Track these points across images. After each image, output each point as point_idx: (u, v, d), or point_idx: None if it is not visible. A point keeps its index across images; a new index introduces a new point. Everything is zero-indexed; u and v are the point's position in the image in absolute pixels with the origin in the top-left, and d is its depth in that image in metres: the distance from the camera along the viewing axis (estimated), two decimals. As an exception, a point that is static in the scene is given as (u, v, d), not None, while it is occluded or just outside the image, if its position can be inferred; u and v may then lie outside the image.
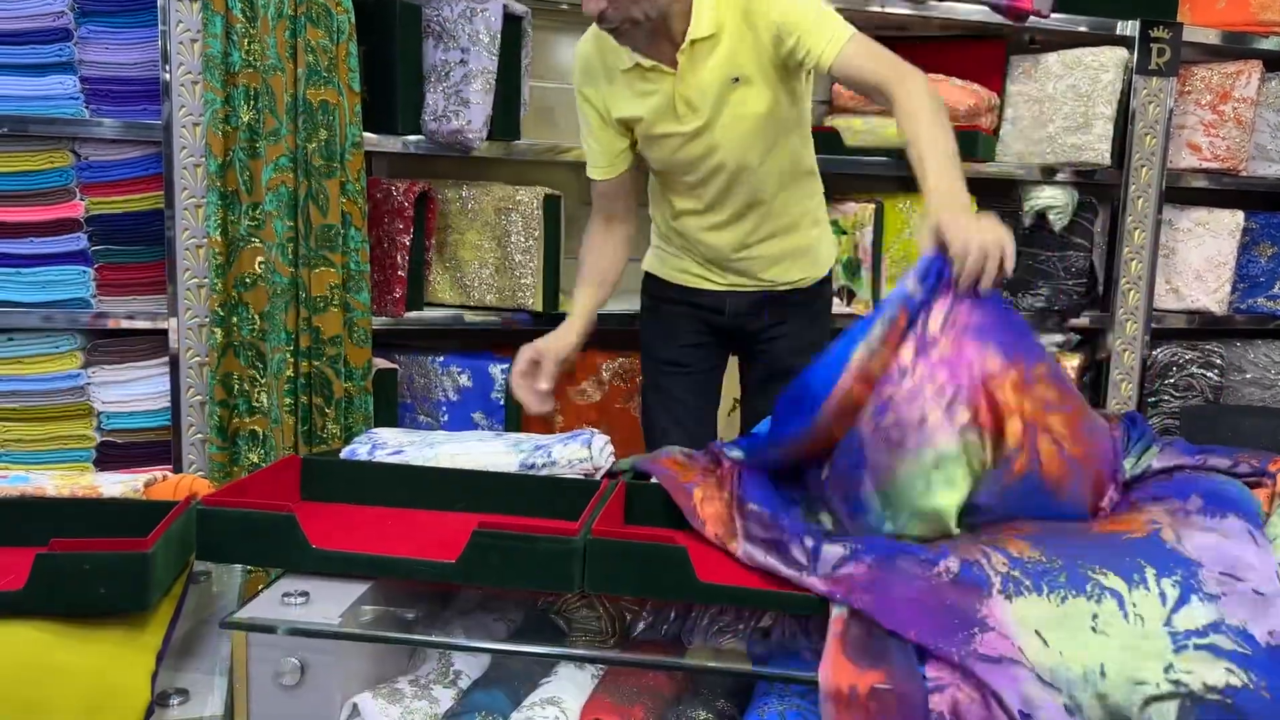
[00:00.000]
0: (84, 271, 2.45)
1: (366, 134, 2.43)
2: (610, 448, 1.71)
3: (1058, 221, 2.94)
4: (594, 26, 2.03)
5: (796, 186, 2.15)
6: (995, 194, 3.05)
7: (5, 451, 2.42)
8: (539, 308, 2.63)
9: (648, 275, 2.35)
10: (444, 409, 2.68)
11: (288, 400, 2.38)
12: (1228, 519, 1.33)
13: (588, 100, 2.12)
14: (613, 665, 1.40)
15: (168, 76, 2.35)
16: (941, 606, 1.23)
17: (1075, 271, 2.99)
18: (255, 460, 2.42)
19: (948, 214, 1.52)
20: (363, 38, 2.39)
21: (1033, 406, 1.37)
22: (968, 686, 1.16)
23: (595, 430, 1.74)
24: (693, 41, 1.95)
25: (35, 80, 2.36)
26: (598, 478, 1.67)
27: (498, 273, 2.66)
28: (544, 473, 1.66)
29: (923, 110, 1.76)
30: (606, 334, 2.90)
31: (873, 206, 2.84)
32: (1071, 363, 3.07)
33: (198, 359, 2.44)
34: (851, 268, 2.87)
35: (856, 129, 2.82)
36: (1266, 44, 3.13)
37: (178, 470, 2.42)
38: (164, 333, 2.45)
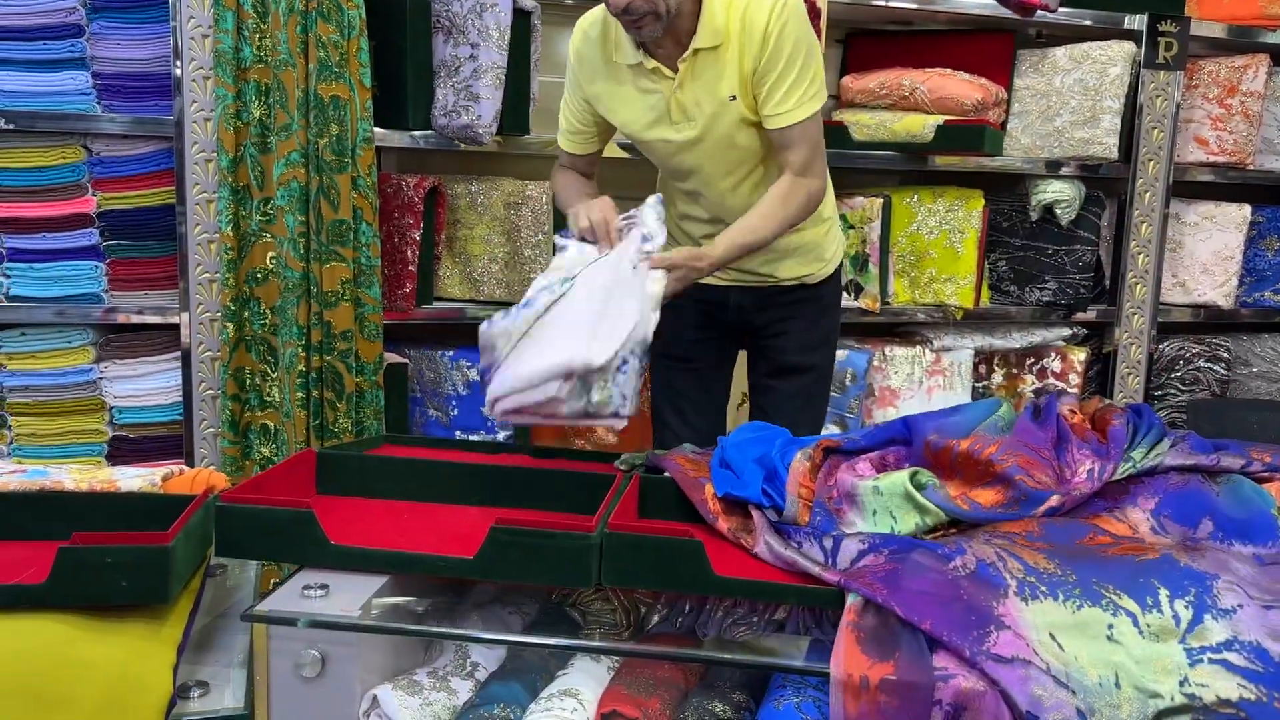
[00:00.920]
0: (96, 266, 2.46)
1: (377, 129, 2.43)
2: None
3: (1065, 215, 2.94)
4: (590, 17, 2.04)
5: None
6: (1002, 188, 3.05)
7: (19, 446, 2.43)
8: (549, 302, 2.63)
9: None
10: (454, 403, 2.69)
11: (299, 394, 2.39)
12: (1234, 547, 1.34)
13: (579, 87, 2.12)
14: (630, 658, 1.41)
15: (179, 72, 2.35)
16: (957, 599, 1.24)
17: (1082, 265, 3.00)
18: (267, 454, 2.44)
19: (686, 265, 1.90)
20: (373, 33, 2.40)
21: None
22: (974, 677, 1.17)
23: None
24: (696, 50, 1.95)
25: (47, 76, 2.37)
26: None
27: (507, 267, 2.67)
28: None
29: (778, 206, 2.01)
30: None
31: (880, 201, 2.84)
32: (1078, 356, 3.08)
33: (209, 354, 2.45)
34: (859, 262, 2.87)
35: (864, 123, 2.83)
36: (1274, 38, 3.13)
37: (190, 464, 2.43)
38: (176, 327, 2.46)
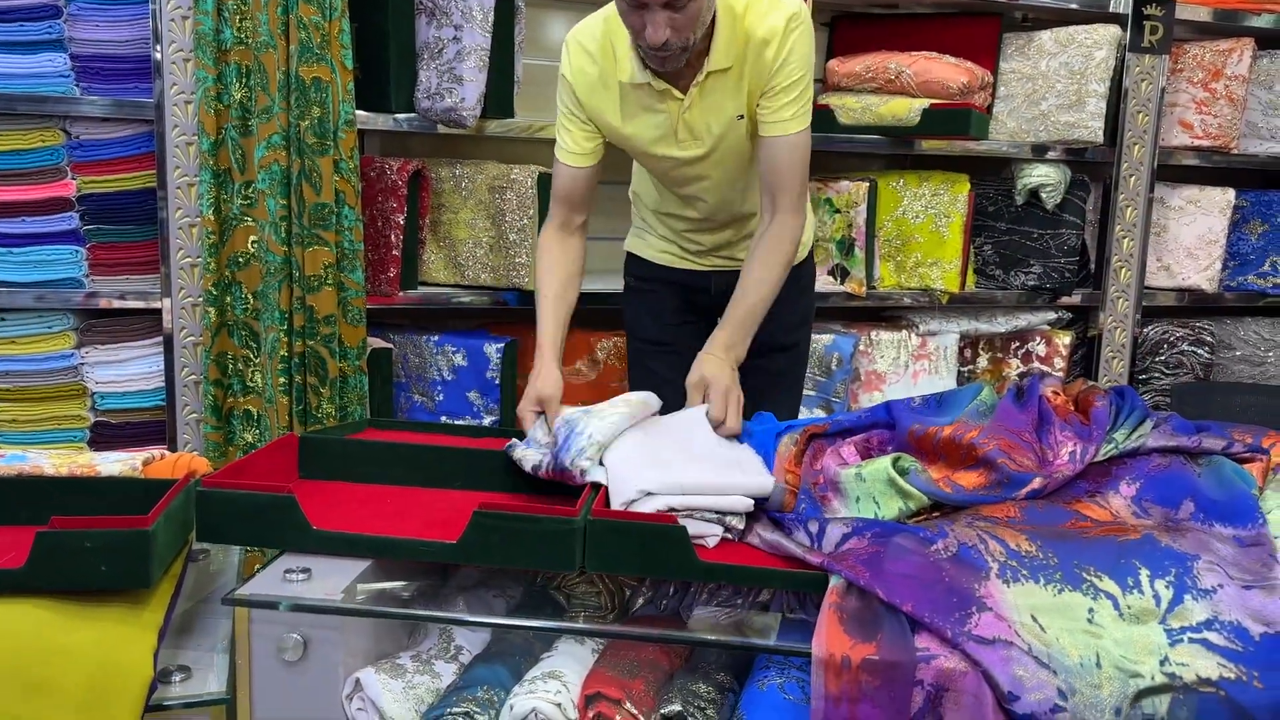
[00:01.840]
0: (76, 251, 2.44)
1: (359, 112, 2.41)
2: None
3: (1050, 199, 2.95)
4: (586, 32, 1.97)
5: None
6: (988, 172, 3.05)
7: (0, 432, 2.42)
8: (533, 287, 2.62)
9: (630, 255, 2.33)
10: (439, 388, 2.68)
11: (282, 380, 2.38)
12: (1215, 528, 1.34)
13: (579, 104, 2.02)
14: (613, 639, 1.41)
15: (159, 54, 2.33)
16: (939, 581, 1.24)
17: (1067, 249, 3.00)
18: (250, 440, 2.42)
19: (714, 368, 1.90)
20: (355, 14, 2.38)
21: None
22: (955, 657, 1.17)
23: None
24: (709, 73, 1.92)
25: (25, 58, 2.35)
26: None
27: (492, 251, 2.66)
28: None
29: (774, 250, 1.97)
30: (599, 313, 2.90)
31: (866, 185, 2.84)
32: (1063, 340, 3.09)
33: (191, 339, 2.43)
34: (845, 246, 2.87)
35: (850, 107, 2.82)
36: (1258, 21, 3.13)
37: (173, 450, 2.42)
38: (157, 312, 2.44)
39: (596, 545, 1.35)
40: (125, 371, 2.48)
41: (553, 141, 2.07)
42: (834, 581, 1.28)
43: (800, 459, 1.58)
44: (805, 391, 2.84)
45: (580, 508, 1.37)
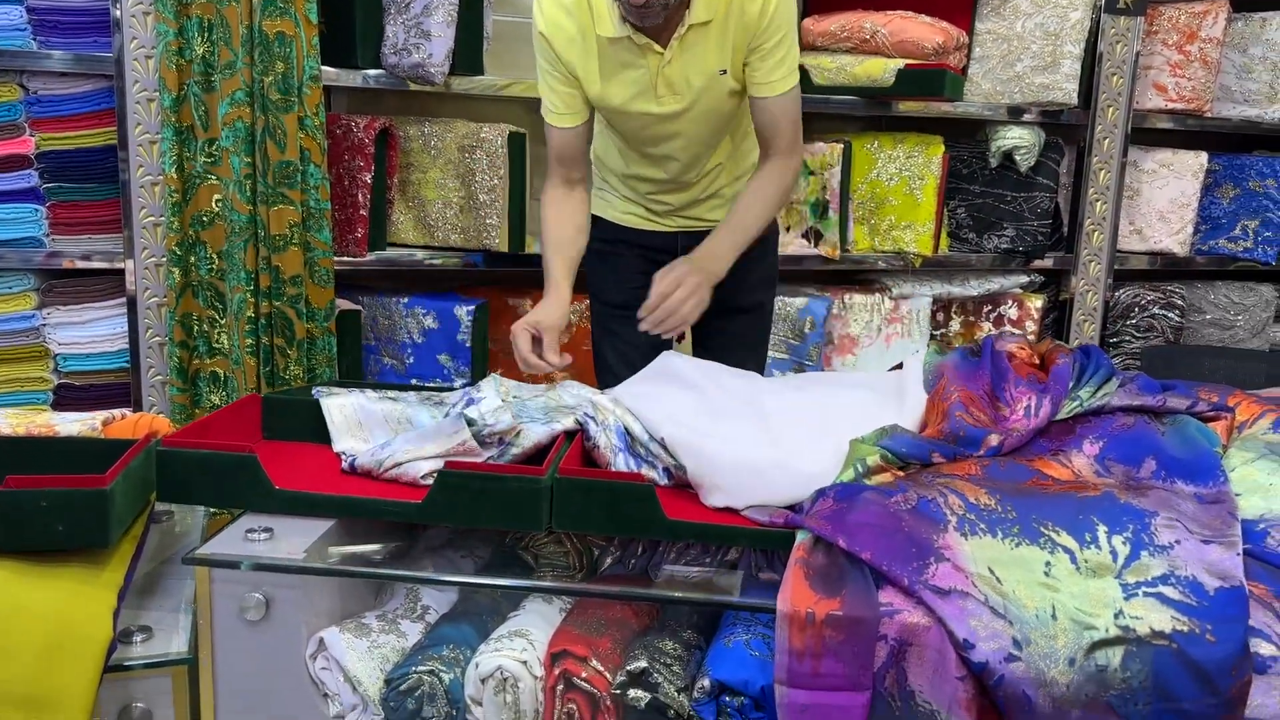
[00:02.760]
0: (36, 210, 2.39)
1: (325, 68, 2.37)
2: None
3: (1024, 162, 2.94)
4: None
5: (746, 145, 2.15)
6: (962, 134, 3.04)
7: (-41, 394, 2.38)
8: (505, 248, 2.60)
9: (595, 218, 2.30)
10: (409, 351, 2.65)
11: (249, 341, 2.34)
12: (1176, 485, 1.34)
13: (557, 60, 1.98)
14: (581, 597, 1.40)
15: (118, 9, 2.27)
16: (898, 531, 1.24)
17: (1041, 212, 3.00)
18: (217, 402, 2.39)
19: (689, 268, 1.95)
20: (320, -33, 2.33)
21: None
22: (919, 613, 1.18)
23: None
24: (690, 26, 1.90)
25: (-21, 10, 2.28)
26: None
27: (462, 212, 2.62)
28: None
29: (766, 189, 2.04)
30: (573, 275, 2.89)
31: (840, 147, 2.82)
32: (1035, 304, 3.10)
33: (155, 299, 2.39)
34: (819, 209, 2.86)
35: (825, 67, 2.79)
36: (1233, -16, 3.13)
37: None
38: (120, 272, 2.40)
39: (564, 504, 1.34)
40: (88, 333, 2.44)
41: (524, 100, 2.05)
42: (800, 538, 1.28)
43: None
44: (779, 355, 2.84)
45: (548, 467, 1.36)
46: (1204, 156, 3.14)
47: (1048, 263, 3.10)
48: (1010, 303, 3.10)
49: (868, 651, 1.16)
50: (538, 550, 1.53)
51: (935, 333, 3.09)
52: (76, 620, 1.24)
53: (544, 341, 1.89)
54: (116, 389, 2.46)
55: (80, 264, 2.41)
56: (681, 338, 2.64)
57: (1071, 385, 1.49)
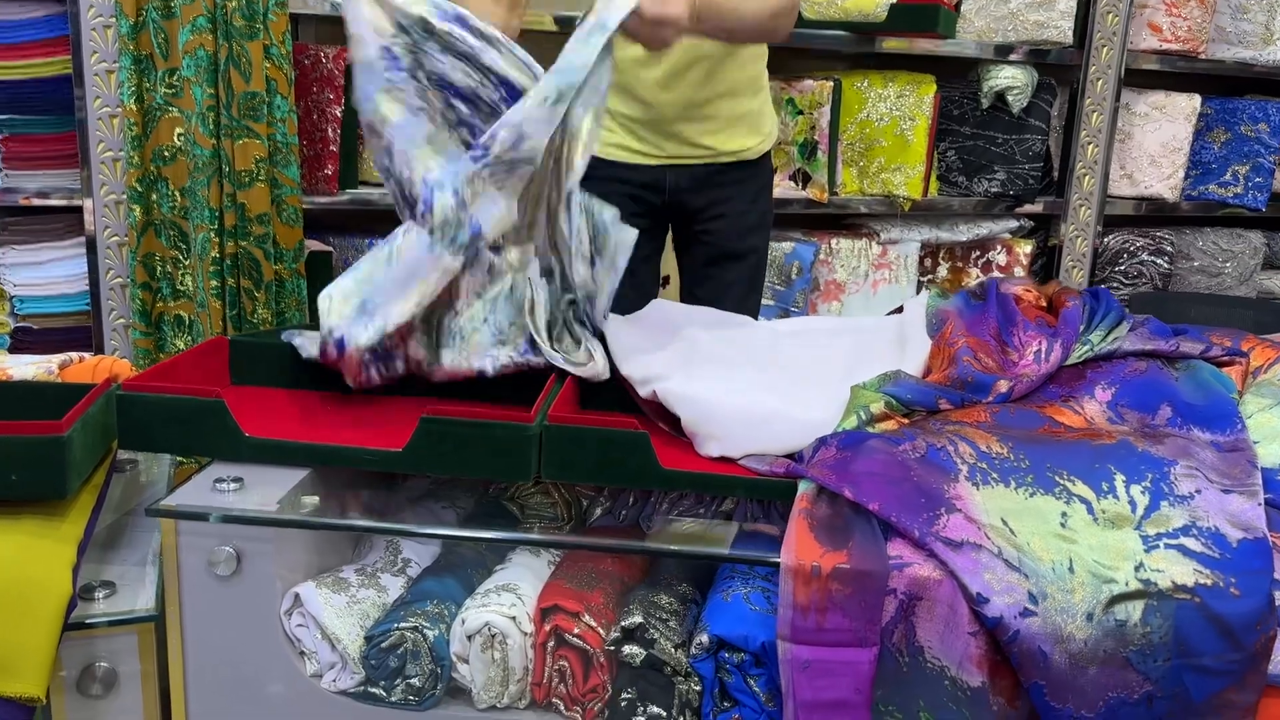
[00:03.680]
0: (-14, 143, 2.27)
1: (292, -6, 2.24)
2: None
3: (1016, 103, 2.86)
4: None
5: (743, 48, 2.04)
6: (952, 74, 2.95)
7: (-91, 337, 2.27)
8: (482, 187, 2.49)
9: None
10: (383, 294, 2.56)
11: (214, 283, 2.24)
12: (1193, 433, 1.29)
13: None
14: (572, 550, 1.34)
15: (69, -74, 2.14)
16: (906, 480, 1.18)
17: (1032, 155, 2.93)
18: (181, 346, 2.30)
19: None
20: (285, -114, 2.19)
21: None
22: (929, 566, 1.12)
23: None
24: None
25: (-81, -73, 2.14)
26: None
27: (437, 150, 2.51)
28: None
29: None
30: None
31: (830, 85, 2.73)
32: (1024, 249, 3.04)
33: (116, 239, 2.28)
34: (807, 150, 2.77)
35: (815, 0, 2.69)
36: (1231, -79, 3.04)
37: (98, 356, 2.29)
38: (79, 210, 2.28)
39: (553, 452, 1.27)
40: (46, 274, 2.33)
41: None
42: (803, 488, 1.22)
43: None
44: (765, 301, 2.77)
45: (536, 412, 1.28)
46: (1197, 99, 3.08)
47: (1037, 207, 3.04)
48: (999, 248, 3.04)
49: (876, 606, 1.11)
50: (524, 501, 1.46)
51: (922, 279, 3.03)
52: (33, 576, 1.16)
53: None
54: (77, 333, 2.36)
55: (36, 201, 2.29)
56: (666, 282, 2.56)
57: (1081, 329, 1.43)
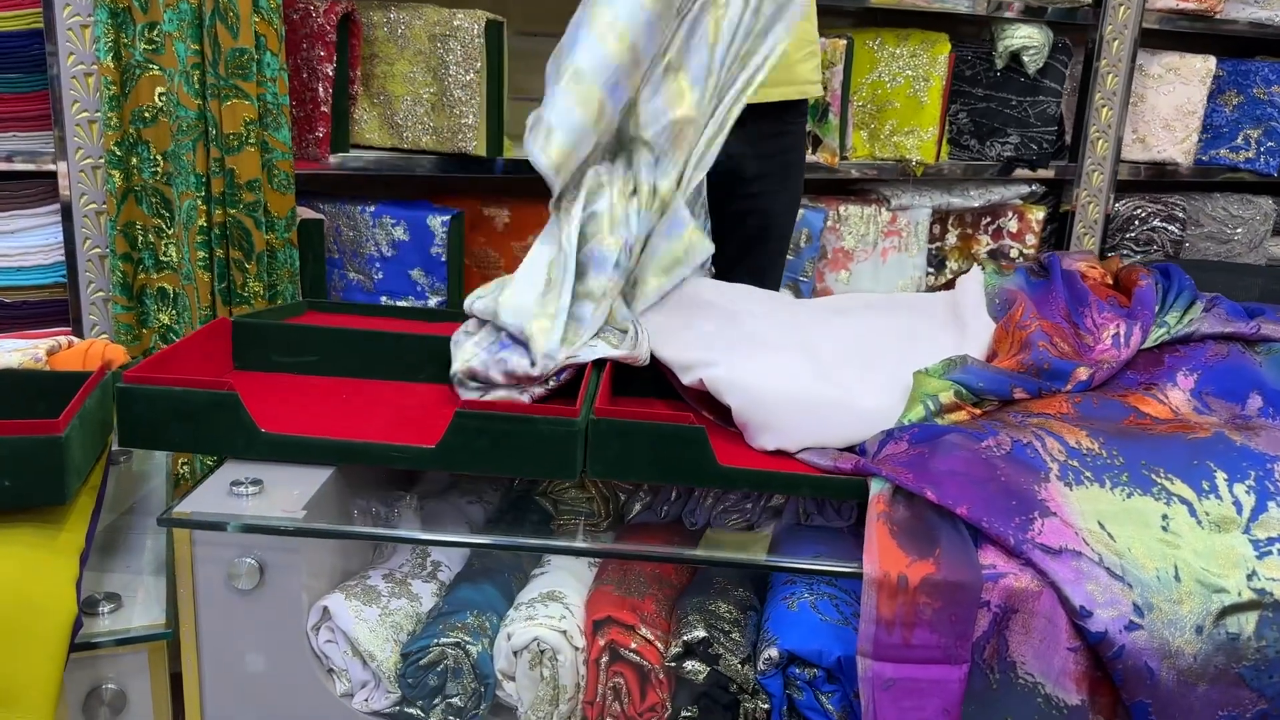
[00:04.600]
0: (-51, 103, 2.10)
1: (280, -57, 2.08)
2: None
3: (1033, 63, 2.76)
4: None
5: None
6: (967, 34, 2.85)
7: None
8: (482, 151, 2.36)
9: None
10: (377, 265, 2.42)
11: (201, 254, 2.10)
12: None
13: None
14: (627, 559, 1.24)
15: None
16: (993, 480, 1.09)
17: (1047, 118, 2.84)
18: (166, 321, 2.16)
19: None
20: None
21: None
22: (1026, 576, 1.03)
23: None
24: None
25: None
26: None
27: (434, 111, 2.37)
28: None
29: None
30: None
31: (844, 43, 2.61)
32: (1036, 215, 2.95)
33: (94, 206, 2.13)
34: (818, 111, 2.65)
35: (828, -45, 2.56)
36: (1250, -125, 2.94)
37: (78, 335, 2.14)
38: (53, 175, 2.12)
39: (600, 448, 1.16)
40: (19, 243, 2.17)
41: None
42: (876, 488, 1.12)
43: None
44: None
45: (581, 405, 1.18)
46: (1212, 61, 2.99)
47: (1049, 172, 2.95)
48: (1010, 215, 2.95)
49: (968, 620, 1.02)
50: (557, 496, 1.36)
51: (931, 246, 2.94)
52: (34, 595, 1.04)
53: None
54: (53, 307, 2.21)
55: (6, 166, 2.12)
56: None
57: (1156, 309, 1.34)
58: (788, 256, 2.64)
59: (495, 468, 1.18)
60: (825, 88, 2.64)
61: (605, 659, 1.13)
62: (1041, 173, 2.93)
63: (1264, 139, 3.11)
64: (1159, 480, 1.09)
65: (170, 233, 2.12)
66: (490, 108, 2.34)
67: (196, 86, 2.02)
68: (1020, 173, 2.90)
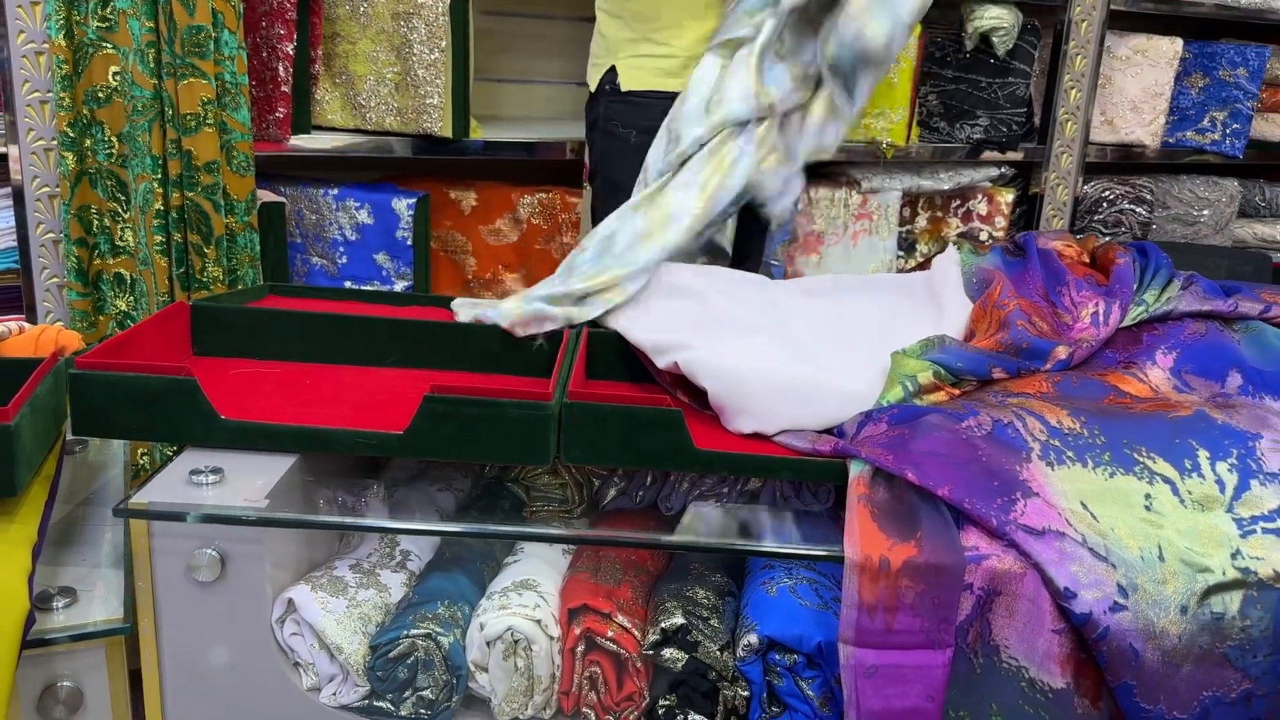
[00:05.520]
0: (-109, 82, 2.02)
1: (237, -82, 2.02)
2: None
3: (1003, 45, 2.74)
4: None
5: None
6: (938, 15, 2.82)
7: None
8: (448, 133, 2.31)
9: (630, 96, 1.96)
10: (341, 250, 2.37)
11: (158, 238, 2.04)
12: (1265, 402, 1.20)
13: None
14: (602, 546, 1.21)
15: None
16: (975, 461, 1.07)
17: (1016, 100, 2.83)
18: (124, 308, 2.10)
19: None
20: None
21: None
22: (1009, 558, 1.02)
23: None
24: None
25: None
26: None
27: (398, 91, 2.32)
28: None
29: None
30: (523, 165, 2.62)
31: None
32: (1005, 198, 2.94)
33: (46, 190, 2.06)
34: (788, 92, 2.63)
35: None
36: None
37: (32, 322, 2.08)
38: (4, 159, 2.06)
39: (574, 433, 1.13)
40: (-34, 228, 2.11)
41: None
42: (856, 470, 1.10)
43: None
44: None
45: (554, 388, 1.14)
46: (1179, 43, 2.99)
47: (1019, 155, 2.94)
48: (980, 197, 2.94)
49: (951, 604, 1.00)
50: (529, 482, 1.33)
51: (901, 229, 2.92)
52: (-18, 590, 1.00)
53: None
54: (7, 293, 2.14)
55: (-49, 148, 2.06)
56: None
57: (1135, 288, 1.33)
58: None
59: (466, 454, 1.14)
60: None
61: (581, 648, 1.10)
62: (1010, 155, 2.92)
63: (1229, 121, 3.13)
64: (1141, 459, 1.08)
65: (126, 216, 2.05)
66: (455, 88, 2.30)
67: (152, 65, 1.96)
68: (989, 155, 2.89)
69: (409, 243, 2.34)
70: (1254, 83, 3.09)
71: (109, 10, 1.94)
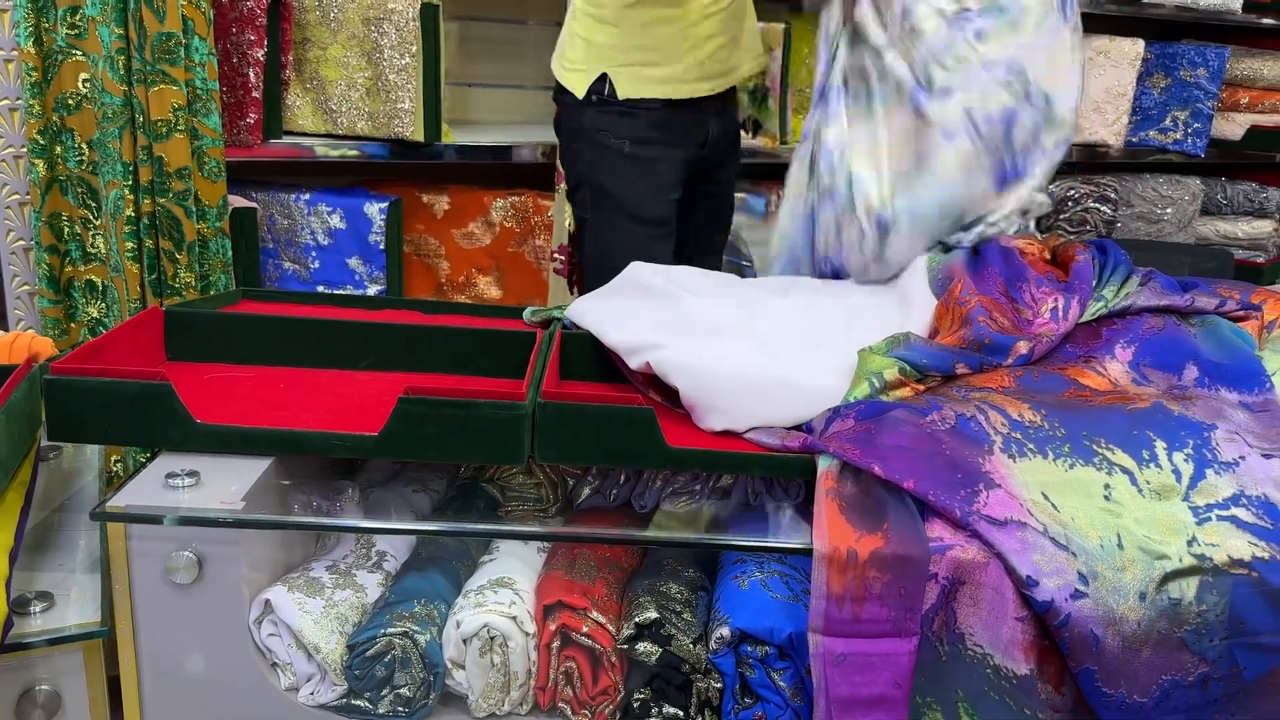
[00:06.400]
0: None
1: (206, -76, 2.03)
2: None
3: (968, 47, 2.78)
4: None
5: None
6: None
7: None
8: (419, 137, 2.33)
9: (624, 105, 1.97)
10: (313, 254, 2.38)
11: (130, 245, 2.04)
12: (1221, 393, 1.23)
13: None
14: (576, 543, 1.23)
15: None
16: (938, 454, 1.10)
17: (982, 101, 2.87)
18: (95, 315, 2.10)
19: None
20: None
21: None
22: (972, 548, 1.04)
23: None
24: None
25: None
26: None
27: (369, 96, 2.34)
28: None
29: None
30: (495, 168, 2.64)
31: (783, 28, 2.61)
32: (973, 198, 2.99)
33: (16, 197, 2.06)
34: (758, 96, 2.66)
35: (765, -62, 2.56)
36: None
37: (4, 329, 2.07)
38: (-30, 165, 2.05)
39: (548, 433, 1.15)
40: (-66, 237, 2.10)
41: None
42: (824, 465, 1.13)
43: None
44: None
45: (527, 389, 1.16)
46: (1140, 44, 3.05)
47: (985, 155, 2.98)
48: (948, 197, 2.98)
49: (917, 593, 1.02)
50: (504, 482, 1.35)
51: (871, 229, 2.95)
52: (-41, 596, 1.00)
53: None
54: (-25, 301, 2.14)
55: (-82, 156, 2.05)
56: None
57: (1094, 284, 1.36)
58: (728, 240, 2.65)
59: (441, 454, 1.15)
60: (764, 72, 2.64)
61: (557, 644, 1.12)
62: (978, 155, 2.96)
63: (1191, 120, 3.19)
64: (1100, 450, 1.11)
65: (97, 223, 2.06)
66: (427, 92, 2.32)
67: (122, 72, 1.97)
68: (957, 155, 2.93)
69: (381, 247, 2.35)
70: (1214, 83, 3.16)
71: (78, 17, 1.95)
